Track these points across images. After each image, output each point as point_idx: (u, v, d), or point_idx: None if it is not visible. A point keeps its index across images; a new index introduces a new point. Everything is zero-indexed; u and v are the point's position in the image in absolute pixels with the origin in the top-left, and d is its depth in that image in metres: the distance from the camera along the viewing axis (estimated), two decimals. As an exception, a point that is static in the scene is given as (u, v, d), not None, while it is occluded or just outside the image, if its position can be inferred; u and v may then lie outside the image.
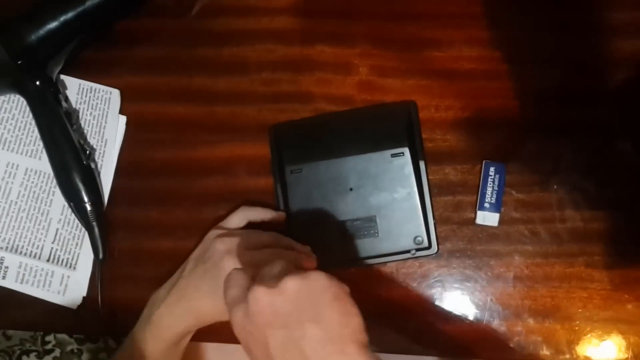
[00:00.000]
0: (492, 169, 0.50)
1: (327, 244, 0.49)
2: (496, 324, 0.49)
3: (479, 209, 0.50)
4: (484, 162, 0.50)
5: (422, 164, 0.50)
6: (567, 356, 0.48)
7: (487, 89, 0.52)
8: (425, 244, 0.49)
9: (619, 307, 0.49)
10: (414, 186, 0.49)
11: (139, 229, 0.52)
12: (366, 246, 0.49)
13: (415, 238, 0.49)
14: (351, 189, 0.50)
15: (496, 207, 0.50)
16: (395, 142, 0.50)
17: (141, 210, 0.52)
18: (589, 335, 0.49)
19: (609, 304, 0.49)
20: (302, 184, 0.50)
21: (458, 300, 0.50)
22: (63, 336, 0.51)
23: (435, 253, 0.49)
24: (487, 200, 0.50)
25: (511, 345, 0.49)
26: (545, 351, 0.49)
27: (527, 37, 0.53)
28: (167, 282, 0.47)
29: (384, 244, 0.49)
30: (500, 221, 0.50)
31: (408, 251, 0.49)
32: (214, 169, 0.52)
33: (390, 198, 0.49)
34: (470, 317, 0.49)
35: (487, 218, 0.50)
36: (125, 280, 0.51)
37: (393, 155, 0.50)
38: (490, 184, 0.50)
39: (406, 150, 0.50)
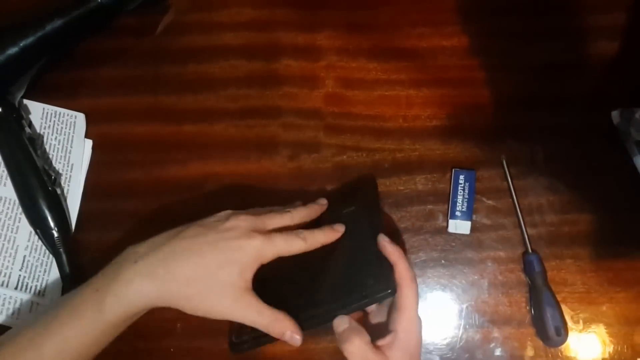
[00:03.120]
0: (461, 177, 0.50)
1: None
2: (473, 331, 0.49)
3: (451, 218, 0.50)
4: (453, 170, 0.50)
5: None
6: (545, 360, 0.49)
7: (454, 96, 0.52)
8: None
9: (594, 309, 0.49)
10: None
11: (109, 252, 0.50)
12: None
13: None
14: None
15: (467, 215, 0.50)
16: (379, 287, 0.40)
17: (111, 232, 0.51)
18: (565, 338, 0.49)
19: (583, 307, 0.49)
20: None
21: (434, 309, 0.50)
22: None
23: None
24: (458, 209, 0.50)
25: (488, 351, 0.49)
26: (522, 356, 0.49)
27: (493, 44, 0.53)
28: (150, 240, 0.41)
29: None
30: (472, 229, 0.50)
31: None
32: (183, 188, 0.52)
33: None
34: (447, 326, 0.49)
35: (459, 226, 0.50)
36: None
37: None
38: (460, 192, 0.50)
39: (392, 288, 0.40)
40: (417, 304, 0.41)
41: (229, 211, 0.43)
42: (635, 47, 0.53)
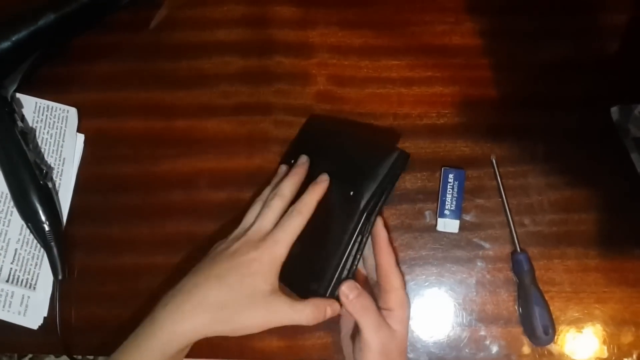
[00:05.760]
0: (451, 175, 0.50)
1: None
2: (460, 329, 0.49)
3: (440, 216, 0.50)
4: (442, 169, 0.51)
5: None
6: (531, 359, 0.49)
7: (445, 95, 0.52)
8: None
9: (582, 308, 0.49)
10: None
11: (100, 246, 0.51)
12: None
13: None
14: None
15: (456, 213, 0.50)
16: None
17: (102, 227, 0.51)
18: (552, 338, 0.49)
19: (571, 306, 0.49)
20: None
21: (422, 307, 0.50)
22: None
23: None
24: (447, 207, 0.50)
25: (475, 349, 0.49)
26: (509, 355, 0.49)
27: (487, 43, 0.53)
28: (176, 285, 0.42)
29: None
30: (461, 227, 0.50)
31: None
32: (175, 183, 0.52)
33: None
34: (434, 324, 0.50)
35: (448, 225, 0.50)
36: (88, 299, 0.50)
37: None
38: (449, 190, 0.50)
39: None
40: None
41: (220, 242, 0.45)
42: (634, 45, 0.53)
